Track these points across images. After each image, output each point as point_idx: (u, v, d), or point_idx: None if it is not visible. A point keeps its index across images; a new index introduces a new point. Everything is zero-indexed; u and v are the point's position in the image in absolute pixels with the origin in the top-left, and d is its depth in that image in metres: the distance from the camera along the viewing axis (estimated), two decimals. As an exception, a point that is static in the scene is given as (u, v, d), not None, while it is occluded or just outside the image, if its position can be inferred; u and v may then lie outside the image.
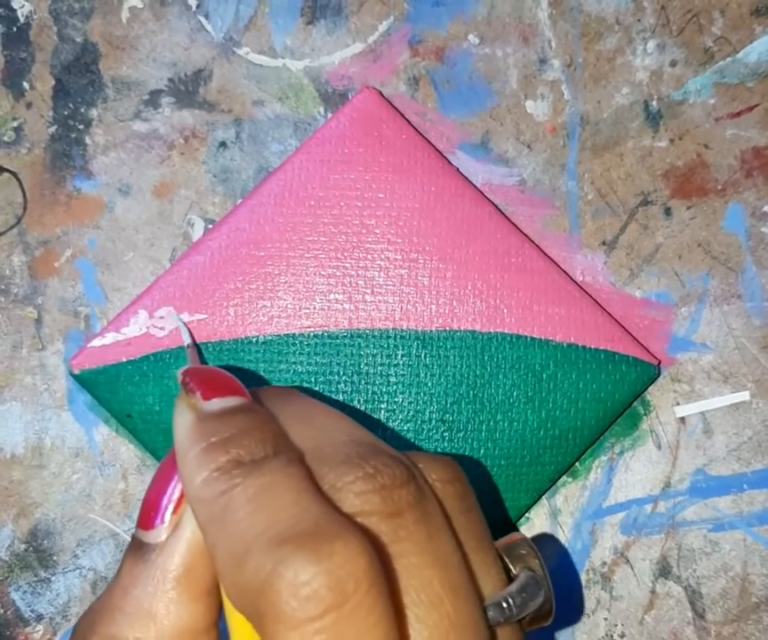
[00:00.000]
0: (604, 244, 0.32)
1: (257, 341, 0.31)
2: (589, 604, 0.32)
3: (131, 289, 0.32)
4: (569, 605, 0.32)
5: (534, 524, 0.32)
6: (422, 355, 0.31)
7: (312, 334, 0.31)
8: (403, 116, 0.32)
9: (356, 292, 0.31)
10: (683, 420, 0.32)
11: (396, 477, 0.19)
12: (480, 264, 0.31)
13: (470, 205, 0.31)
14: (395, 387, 0.31)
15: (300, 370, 0.31)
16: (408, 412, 0.31)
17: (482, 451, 0.31)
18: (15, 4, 0.33)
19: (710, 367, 0.32)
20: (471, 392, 0.31)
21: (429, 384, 0.31)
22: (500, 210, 0.32)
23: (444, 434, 0.31)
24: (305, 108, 0.33)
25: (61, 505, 0.32)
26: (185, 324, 0.30)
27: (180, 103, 0.33)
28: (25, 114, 0.32)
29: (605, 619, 0.32)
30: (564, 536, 0.32)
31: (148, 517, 0.21)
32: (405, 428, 0.31)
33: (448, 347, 0.31)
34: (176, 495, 0.21)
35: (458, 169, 0.32)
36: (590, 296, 0.32)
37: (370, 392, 0.31)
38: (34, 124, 0.32)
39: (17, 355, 0.32)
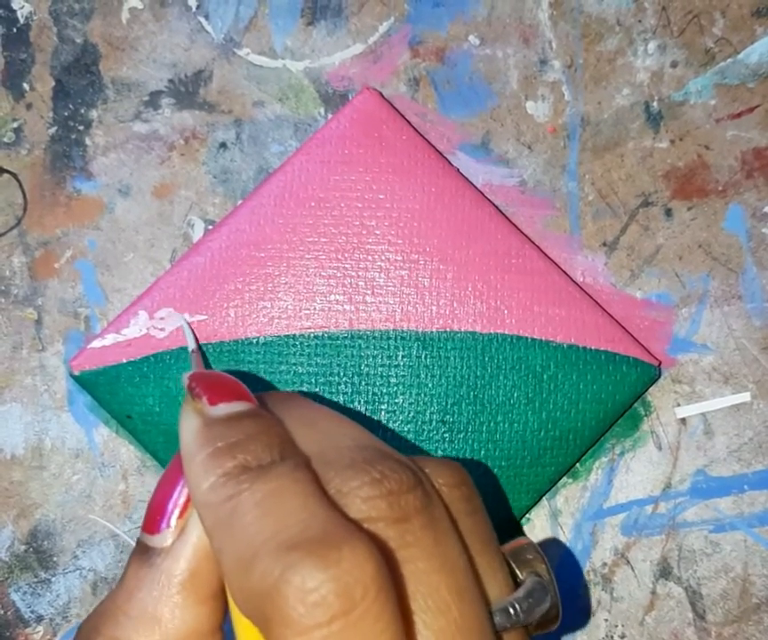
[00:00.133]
0: (604, 244, 0.32)
1: (257, 342, 0.31)
2: (590, 605, 0.32)
3: (131, 290, 0.32)
4: (570, 607, 0.32)
5: (535, 524, 0.32)
6: (423, 356, 0.31)
7: (312, 335, 0.31)
8: (403, 116, 0.32)
9: (356, 293, 0.31)
10: (683, 420, 0.32)
11: (403, 482, 0.19)
12: (480, 265, 0.31)
13: (471, 206, 0.31)
14: (395, 388, 0.31)
15: (300, 371, 0.31)
16: (409, 414, 0.31)
17: (482, 452, 0.31)
18: (15, 5, 0.33)
19: (711, 368, 0.32)
20: (472, 393, 0.31)
21: (430, 385, 0.31)
22: (500, 211, 0.32)
23: (445, 435, 0.31)
24: (305, 108, 0.33)
25: (61, 506, 0.32)
26: (191, 328, 0.30)
27: (180, 104, 0.32)
28: (25, 115, 0.32)
29: (606, 619, 0.32)
30: (564, 537, 0.32)
31: (153, 521, 0.21)
32: (406, 429, 0.31)
33: (449, 348, 0.31)
34: (182, 499, 0.21)
35: (458, 170, 0.32)
36: (591, 297, 0.32)
37: (370, 393, 0.31)
38: (34, 125, 0.32)
39: (17, 356, 0.32)
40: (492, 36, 0.33)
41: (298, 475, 0.19)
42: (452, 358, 0.31)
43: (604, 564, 0.32)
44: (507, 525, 0.31)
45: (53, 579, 0.32)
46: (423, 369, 0.31)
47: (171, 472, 0.22)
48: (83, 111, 0.32)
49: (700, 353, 0.32)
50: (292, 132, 0.33)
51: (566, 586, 0.32)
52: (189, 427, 0.21)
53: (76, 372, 0.31)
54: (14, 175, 0.32)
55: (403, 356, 0.31)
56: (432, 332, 0.31)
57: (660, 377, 0.32)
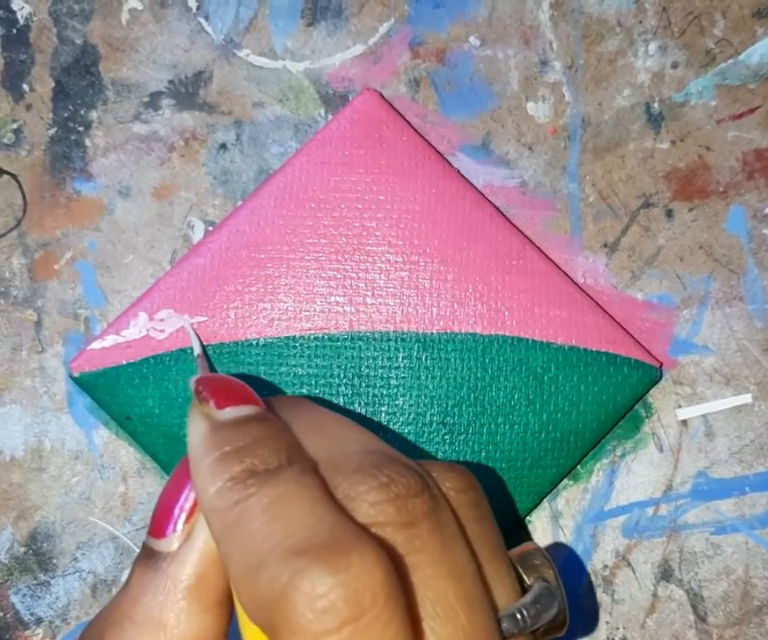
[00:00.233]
0: (605, 246, 0.32)
1: (257, 344, 0.31)
2: (591, 607, 0.32)
3: (131, 291, 0.32)
4: (571, 609, 0.32)
5: (535, 526, 0.32)
6: (423, 357, 0.31)
7: (312, 337, 0.31)
8: (403, 117, 0.32)
9: (356, 294, 0.31)
10: (684, 422, 0.32)
11: (411, 487, 0.19)
12: (481, 266, 0.31)
13: (471, 207, 0.31)
14: (395, 389, 0.31)
15: (300, 372, 0.31)
16: (409, 415, 0.31)
17: (483, 454, 0.31)
18: (15, 6, 0.33)
19: (712, 370, 0.32)
20: (472, 395, 0.31)
21: (430, 387, 0.31)
22: (500, 212, 0.32)
23: (445, 437, 0.31)
24: (305, 109, 0.33)
25: (61, 508, 0.32)
26: (196, 333, 0.30)
27: (180, 105, 0.32)
28: (25, 116, 0.32)
29: (607, 622, 0.32)
30: (565, 539, 0.32)
31: (159, 526, 0.21)
32: (406, 431, 0.31)
33: (449, 349, 0.31)
34: (188, 504, 0.21)
35: (458, 171, 0.32)
36: (591, 298, 0.32)
37: (370, 395, 0.31)
38: (33, 126, 0.32)
39: (16, 357, 0.32)
40: (493, 36, 0.33)
41: (305, 479, 0.19)
42: (452, 360, 0.31)
43: (605, 566, 0.32)
44: (507, 527, 0.31)
45: (53, 581, 0.32)
46: (423, 370, 0.31)
47: (177, 476, 0.22)
48: (82, 112, 0.32)
49: (702, 354, 0.32)
50: (292, 133, 0.32)
51: (567, 588, 0.32)
52: (196, 430, 0.21)
53: (76, 374, 0.31)
54: (14, 176, 0.32)
55: (403, 358, 0.31)
56: (432, 333, 0.31)
57: (661, 378, 0.32)
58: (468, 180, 0.32)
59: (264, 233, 0.31)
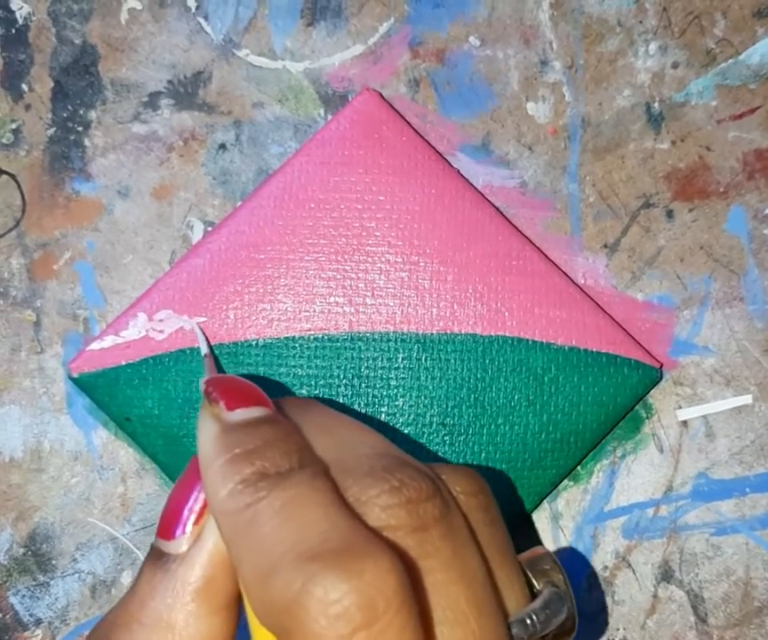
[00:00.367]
0: (605, 246, 0.32)
1: (256, 344, 0.31)
2: (591, 608, 0.32)
3: (130, 292, 0.32)
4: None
5: (536, 528, 0.32)
6: (423, 358, 0.31)
7: (312, 337, 0.31)
8: (403, 117, 0.32)
9: (356, 294, 0.31)
10: (685, 423, 0.32)
11: (422, 491, 0.19)
12: (481, 267, 0.31)
13: (471, 208, 0.31)
14: (395, 390, 0.31)
15: (299, 373, 0.31)
16: (409, 416, 0.31)
17: (483, 454, 0.31)
18: (14, 6, 0.32)
19: (712, 370, 0.32)
20: (472, 396, 0.31)
21: (430, 387, 0.31)
22: (500, 212, 0.32)
23: (445, 438, 0.31)
24: (305, 109, 0.32)
25: (60, 509, 0.32)
26: (203, 332, 0.30)
27: (179, 105, 0.32)
28: (24, 116, 0.32)
29: (607, 623, 0.32)
30: (565, 540, 0.32)
31: (168, 527, 0.21)
32: (406, 431, 0.30)
33: (449, 350, 0.31)
34: (198, 505, 0.21)
35: (458, 171, 0.32)
36: (592, 299, 0.32)
37: (370, 395, 0.31)
38: (32, 126, 0.32)
39: (15, 358, 0.32)
40: (493, 36, 0.33)
41: (317, 483, 0.19)
42: (452, 360, 0.31)
43: (605, 567, 0.32)
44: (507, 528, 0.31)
45: (52, 582, 0.32)
46: (423, 371, 0.31)
47: (186, 477, 0.21)
48: (81, 112, 0.32)
49: (702, 355, 0.32)
50: (291, 133, 0.32)
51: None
52: (207, 432, 0.20)
53: (75, 375, 0.31)
54: (13, 176, 0.32)
55: (403, 359, 0.31)
56: (432, 334, 0.31)
57: (661, 379, 0.32)
58: (467, 180, 0.32)
59: (263, 233, 0.31)
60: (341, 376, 0.31)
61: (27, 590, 0.32)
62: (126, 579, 0.32)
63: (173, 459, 0.31)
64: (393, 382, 0.31)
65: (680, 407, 0.32)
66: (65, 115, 0.32)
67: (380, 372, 0.31)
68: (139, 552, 0.32)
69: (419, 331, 0.31)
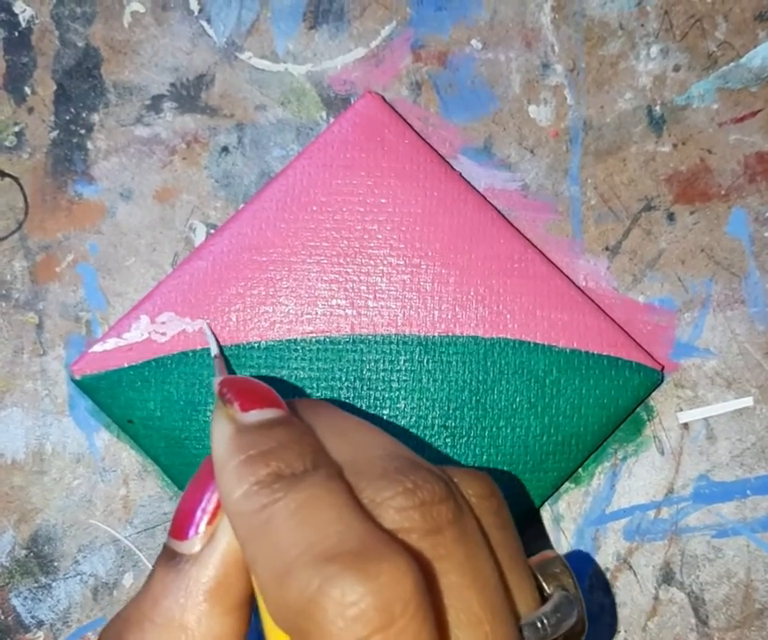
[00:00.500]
0: (606, 249, 0.32)
1: (259, 347, 0.31)
2: (592, 610, 0.32)
3: (132, 294, 0.32)
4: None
5: (540, 529, 0.32)
6: (425, 360, 0.31)
7: (314, 340, 0.31)
8: (405, 120, 0.32)
9: (358, 297, 0.31)
10: (686, 425, 0.32)
11: (436, 493, 0.19)
12: (483, 269, 0.31)
13: (473, 210, 0.31)
14: (397, 392, 0.31)
15: (301, 376, 0.31)
16: (410, 418, 0.31)
17: (484, 457, 0.31)
18: (17, 9, 0.33)
19: (714, 373, 0.32)
20: (474, 398, 0.31)
21: (432, 390, 0.31)
22: (502, 215, 0.32)
23: (447, 440, 0.31)
24: (307, 112, 0.33)
25: (62, 511, 0.32)
26: (213, 332, 0.30)
27: (181, 108, 0.32)
28: (26, 119, 0.32)
29: (608, 625, 0.32)
30: (566, 542, 0.32)
31: (181, 528, 0.21)
32: (408, 434, 0.31)
33: (451, 352, 0.31)
34: (211, 506, 0.21)
35: (460, 174, 0.32)
36: (593, 301, 0.32)
37: (372, 398, 0.31)
38: (35, 128, 0.32)
39: (18, 360, 0.32)
40: (495, 39, 0.33)
41: (331, 484, 0.19)
42: (454, 363, 0.31)
43: (607, 570, 0.32)
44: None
45: (54, 584, 0.32)
46: (425, 373, 0.31)
47: (199, 478, 0.21)
48: (84, 115, 0.32)
49: (703, 357, 0.32)
50: (293, 136, 0.32)
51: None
52: (221, 433, 0.21)
53: (77, 377, 0.31)
54: (15, 179, 0.32)
55: (405, 361, 0.31)
56: (434, 336, 0.31)
57: (662, 381, 0.32)
58: (469, 182, 0.32)
59: (266, 236, 0.31)
60: (343, 378, 0.31)
61: (28, 592, 0.32)
62: (128, 580, 0.32)
63: (175, 461, 0.31)
64: (395, 385, 0.31)
65: (681, 409, 0.32)
66: (68, 117, 0.32)
67: (381, 374, 0.31)
68: (140, 554, 0.32)
69: (420, 333, 0.31)
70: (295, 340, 0.31)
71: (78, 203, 0.32)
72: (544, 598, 0.22)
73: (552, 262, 0.32)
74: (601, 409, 0.31)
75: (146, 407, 0.31)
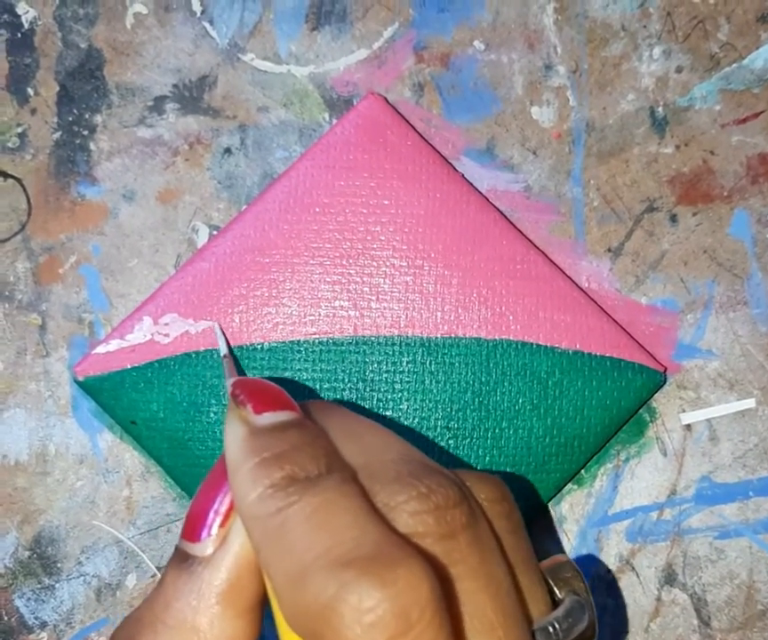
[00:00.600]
0: (609, 250, 0.32)
1: (262, 348, 0.31)
2: (595, 611, 0.32)
3: (135, 295, 0.32)
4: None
5: (540, 532, 0.32)
6: (427, 362, 0.31)
7: (317, 341, 0.31)
8: (408, 122, 0.32)
9: (361, 298, 0.31)
10: (688, 427, 0.32)
11: (450, 497, 0.19)
12: (485, 271, 0.31)
13: (475, 212, 0.31)
14: (400, 394, 0.31)
15: (304, 377, 0.31)
16: (413, 420, 0.31)
17: (487, 458, 0.31)
18: (20, 10, 0.33)
19: (716, 374, 0.32)
20: (476, 399, 0.31)
21: (435, 391, 0.31)
22: (505, 216, 0.32)
23: (450, 441, 0.31)
24: (310, 114, 0.33)
25: (65, 512, 0.32)
26: (223, 332, 0.30)
27: (184, 109, 0.32)
28: (29, 120, 0.32)
29: (611, 626, 0.32)
30: (569, 544, 0.32)
31: (194, 530, 0.21)
32: (410, 435, 0.31)
33: (453, 354, 0.31)
34: (224, 508, 0.21)
35: (463, 175, 0.32)
36: (596, 303, 0.32)
37: (375, 399, 0.31)
38: (38, 130, 0.32)
39: (21, 361, 0.32)
40: (497, 41, 0.33)
41: (346, 488, 0.19)
42: (456, 364, 0.31)
43: (609, 571, 0.32)
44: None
45: (57, 585, 0.32)
46: (428, 375, 0.31)
47: (212, 479, 0.21)
48: (87, 116, 0.32)
49: (706, 359, 0.32)
50: (296, 137, 0.32)
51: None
52: (235, 435, 0.20)
53: (81, 378, 0.31)
54: (18, 180, 0.32)
55: (407, 362, 0.31)
56: (437, 337, 0.31)
57: (665, 383, 0.32)
58: (472, 184, 0.32)
59: (268, 237, 0.31)
60: (346, 380, 0.31)
61: (32, 593, 0.32)
62: (131, 581, 0.32)
63: (178, 462, 0.31)
64: (397, 386, 0.31)
65: (684, 411, 0.32)
66: (70, 119, 0.32)
67: (384, 375, 0.31)
68: (143, 555, 0.32)
69: (423, 334, 0.31)
70: (298, 341, 0.31)
71: (81, 204, 0.32)
72: (555, 602, 0.22)
73: (555, 264, 0.32)
74: (603, 410, 0.31)
75: (149, 408, 0.31)
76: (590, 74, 0.33)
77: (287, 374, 0.31)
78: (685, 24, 0.33)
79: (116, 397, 0.31)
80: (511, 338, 0.31)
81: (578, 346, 0.31)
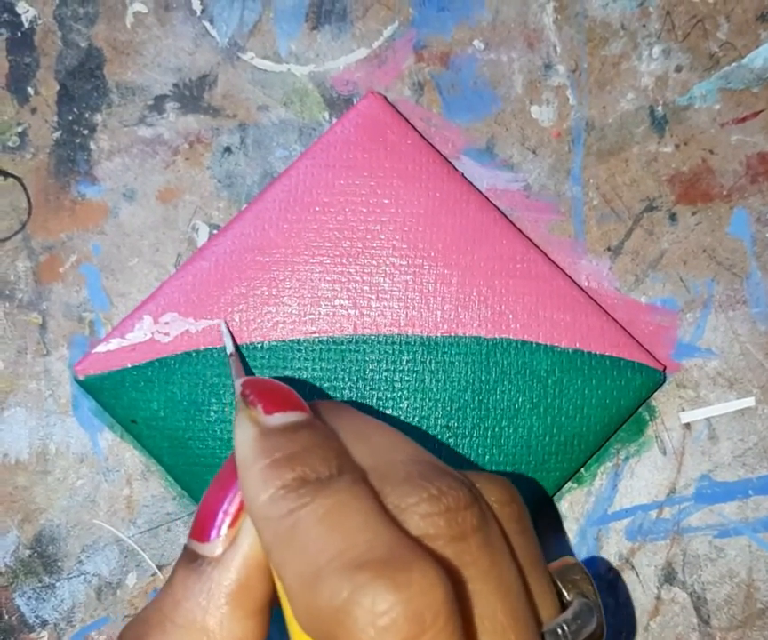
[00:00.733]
0: (609, 249, 0.32)
1: (262, 347, 0.31)
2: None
3: (135, 294, 0.32)
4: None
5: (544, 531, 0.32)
6: (427, 360, 0.31)
7: (317, 340, 0.31)
8: (408, 121, 0.32)
9: (360, 297, 0.31)
10: (688, 425, 0.32)
11: (461, 499, 0.19)
12: (485, 269, 0.31)
13: (475, 211, 0.31)
14: (400, 393, 0.31)
15: (304, 376, 0.31)
16: (413, 418, 0.31)
17: (487, 457, 0.31)
18: (20, 9, 0.33)
19: (715, 373, 0.32)
20: (476, 398, 0.31)
21: (434, 390, 0.31)
22: (504, 215, 0.32)
23: (449, 440, 0.31)
24: (310, 113, 0.33)
25: (66, 511, 0.32)
26: (229, 331, 0.30)
27: (184, 108, 0.32)
28: (29, 119, 0.32)
29: (610, 625, 0.32)
30: (568, 543, 0.32)
31: (203, 530, 0.21)
32: (410, 434, 0.30)
33: (453, 353, 0.31)
34: (233, 508, 0.21)
35: (463, 174, 0.32)
36: (595, 302, 0.32)
37: (375, 398, 0.31)
38: (38, 129, 0.32)
39: (21, 360, 0.32)
40: (497, 40, 0.33)
41: (357, 490, 0.19)
42: (456, 363, 0.31)
43: (609, 570, 0.32)
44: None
45: (58, 584, 0.32)
46: (428, 374, 0.31)
47: (221, 479, 0.21)
48: (87, 115, 0.32)
49: (705, 358, 0.32)
50: (296, 136, 0.33)
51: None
52: (245, 435, 0.20)
53: (81, 377, 0.31)
54: (19, 179, 0.32)
55: (407, 361, 0.31)
56: (437, 336, 0.31)
57: (664, 382, 0.32)
58: (472, 183, 0.32)
59: (268, 236, 0.31)
60: (346, 379, 0.31)
61: (32, 592, 0.32)
62: (131, 580, 0.32)
63: (179, 461, 0.31)
64: (397, 385, 0.31)
65: (683, 410, 0.32)
66: (70, 118, 0.32)
67: (384, 374, 0.31)
68: (144, 554, 0.32)
69: (423, 333, 0.31)
70: (298, 340, 0.31)
71: (81, 203, 0.32)
72: (563, 604, 0.22)
73: (554, 263, 0.32)
74: (603, 409, 0.31)
75: (149, 407, 0.31)
76: (590, 73, 0.33)
77: (287, 373, 0.31)
78: (685, 23, 0.33)
79: (116, 396, 0.31)
80: (511, 337, 0.31)
81: (577, 345, 0.31)
